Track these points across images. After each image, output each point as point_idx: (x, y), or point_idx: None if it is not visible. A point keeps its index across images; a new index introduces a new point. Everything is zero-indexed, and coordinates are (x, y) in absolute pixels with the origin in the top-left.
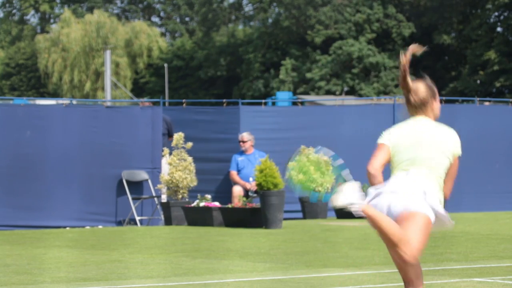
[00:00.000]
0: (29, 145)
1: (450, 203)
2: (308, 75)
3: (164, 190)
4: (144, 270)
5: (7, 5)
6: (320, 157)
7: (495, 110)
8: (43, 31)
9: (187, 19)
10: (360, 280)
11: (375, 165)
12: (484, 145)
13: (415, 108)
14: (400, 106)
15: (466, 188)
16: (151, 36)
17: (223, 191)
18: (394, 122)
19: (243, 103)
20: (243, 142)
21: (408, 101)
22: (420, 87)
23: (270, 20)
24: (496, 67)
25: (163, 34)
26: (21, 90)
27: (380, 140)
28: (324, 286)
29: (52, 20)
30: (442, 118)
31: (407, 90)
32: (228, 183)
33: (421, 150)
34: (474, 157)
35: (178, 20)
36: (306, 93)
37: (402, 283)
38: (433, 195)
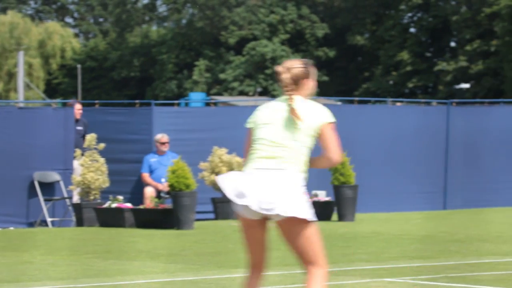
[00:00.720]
0: None
1: (361, 204)
2: (222, 76)
3: (76, 191)
4: (55, 272)
5: None
6: (232, 158)
7: (408, 110)
8: None
9: (101, 20)
10: (271, 281)
11: (244, 151)
12: (396, 146)
13: (285, 86)
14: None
15: (378, 188)
16: (64, 37)
17: (135, 192)
18: None
19: (156, 104)
20: (163, 143)
21: (279, 80)
22: (293, 64)
23: (184, 21)
24: (408, 68)
25: (76, 35)
26: None
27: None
28: (234, 287)
29: None
30: (355, 119)
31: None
32: (141, 184)
33: (273, 130)
34: (386, 157)
35: (92, 21)
36: (219, 94)
37: None
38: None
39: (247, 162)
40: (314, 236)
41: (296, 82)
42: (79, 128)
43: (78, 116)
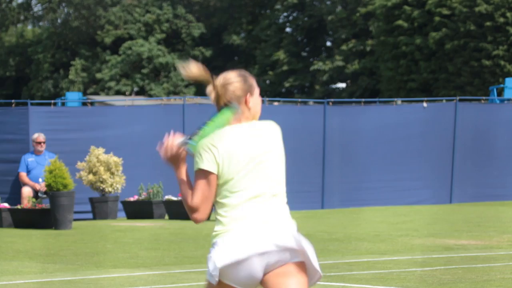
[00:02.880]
0: None
1: None
2: (98, 75)
3: None
4: None
5: None
6: (110, 158)
7: (284, 110)
8: None
9: None
10: (150, 281)
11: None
12: None
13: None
14: (190, 106)
15: None
16: None
17: (13, 192)
18: (183, 122)
19: (32, 104)
20: (40, 142)
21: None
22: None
23: (59, 21)
24: (285, 67)
25: None
26: None
27: None
28: (114, 287)
29: None
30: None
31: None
32: (18, 184)
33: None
34: None
35: None
36: (96, 93)
37: (192, 283)
38: None
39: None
40: None
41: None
42: None
43: None
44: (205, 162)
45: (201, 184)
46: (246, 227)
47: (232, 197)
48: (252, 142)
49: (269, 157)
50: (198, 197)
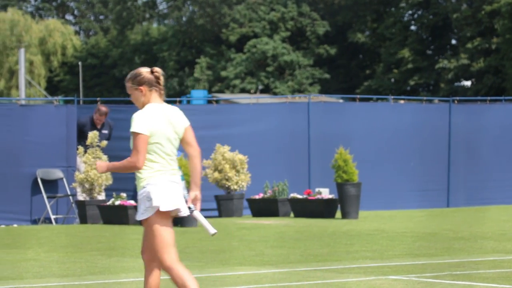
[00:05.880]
0: None
1: (364, 202)
2: (223, 73)
3: (79, 188)
4: (60, 269)
5: None
6: (235, 156)
7: (409, 108)
8: None
9: (101, 17)
10: (275, 278)
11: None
12: (398, 143)
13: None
14: (315, 105)
15: (380, 186)
16: (65, 34)
17: None
18: (308, 120)
19: None
20: None
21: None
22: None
23: (184, 19)
24: (410, 66)
25: (77, 33)
26: None
27: None
28: (239, 284)
29: None
30: (357, 116)
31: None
32: None
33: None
34: (388, 155)
35: (92, 18)
36: (221, 91)
37: (317, 281)
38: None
39: (159, 171)
40: None
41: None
42: (104, 132)
43: (101, 121)
44: (144, 128)
45: (144, 146)
46: (167, 180)
47: (157, 155)
48: (171, 117)
49: (178, 131)
50: (143, 158)
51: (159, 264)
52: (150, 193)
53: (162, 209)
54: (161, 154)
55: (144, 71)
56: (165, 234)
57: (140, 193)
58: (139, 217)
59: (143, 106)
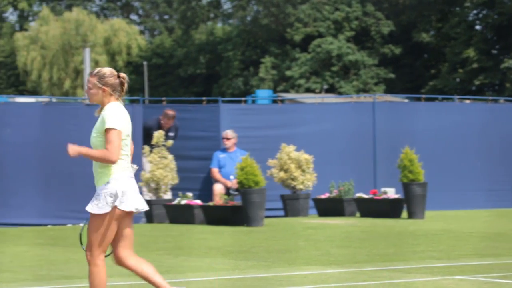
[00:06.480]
0: (8, 143)
1: (429, 202)
2: (288, 73)
3: (145, 188)
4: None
5: None
6: (301, 156)
7: (475, 108)
8: (22, 28)
9: (166, 17)
10: (342, 278)
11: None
12: (464, 143)
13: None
14: (380, 104)
15: (447, 186)
16: (130, 34)
17: (204, 189)
18: (373, 119)
19: (223, 101)
20: (227, 139)
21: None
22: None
23: (248, 18)
24: (475, 65)
25: (142, 32)
26: (0, 87)
27: None
28: (306, 284)
29: (30, 18)
30: (423, 116)
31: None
32: (209, 181)
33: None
34: (454, 155)
35: (157, 18)
36: (285, 91)
37: (384, 281)
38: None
39: (123, 167)
40: None
41: None
42: (171, 134)
43: (169, 125)
44: (120, 125)
45: (119, 141)
46: (128, 177)
47: (123, 151)
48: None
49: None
50: (119, 153)
51: (131, 252)
52: (117, 190)
53: (126, 209)
54: (126, 151)
55: (112, 74)
56: (111, 233)
57: (103, 187)
58: (96, 210)
59: (98, 103)
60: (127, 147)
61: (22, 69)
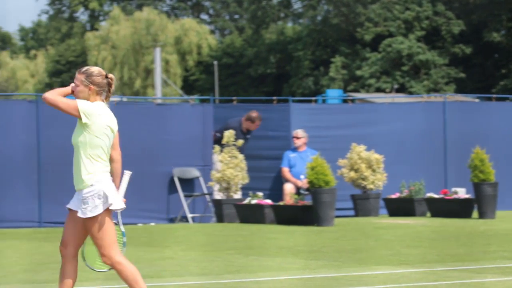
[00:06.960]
0: None
1: (501, 202)
2: (358, 72)
3: (216, 187)
4: (197, 268)
5: (57, 2)
6: (371, 155)
7: None
8: (93, 28)
9: (236, 16)
10: (412, 278)
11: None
12: None
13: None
14: (451, 104)
15: None
16: (200, 34)
17: (275, 189)
18: (444, 119)
19: (293, 101)
20: (297, 138)
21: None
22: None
23: (319, 18)
24: None
25: (212, 32)
26: None
27: None
28: (376, 284)
29: (101, 18)
30: (494, 116)
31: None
32: (279, 181)
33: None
34: None
35: (227, 17)
36: (356, 90)
37: (455, 281)
38: None
39: (102, 170)
40: None
41: None
42: (249, 137)
43: (252, 129)
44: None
45: (66, 101)
46: (109, 178)
47: (103, 151)
48: (111, 118)
49: (114, 133)
50: (55, 98)
51: (76, 258)
52: (104, 191)
53: (115, 208)
54: (106, 151)
55: (100, 74)
56: (112, 231)
57: (89, 190)
58: (88, 214)
59: (83, 99)
60: (107, 147)
61: None
